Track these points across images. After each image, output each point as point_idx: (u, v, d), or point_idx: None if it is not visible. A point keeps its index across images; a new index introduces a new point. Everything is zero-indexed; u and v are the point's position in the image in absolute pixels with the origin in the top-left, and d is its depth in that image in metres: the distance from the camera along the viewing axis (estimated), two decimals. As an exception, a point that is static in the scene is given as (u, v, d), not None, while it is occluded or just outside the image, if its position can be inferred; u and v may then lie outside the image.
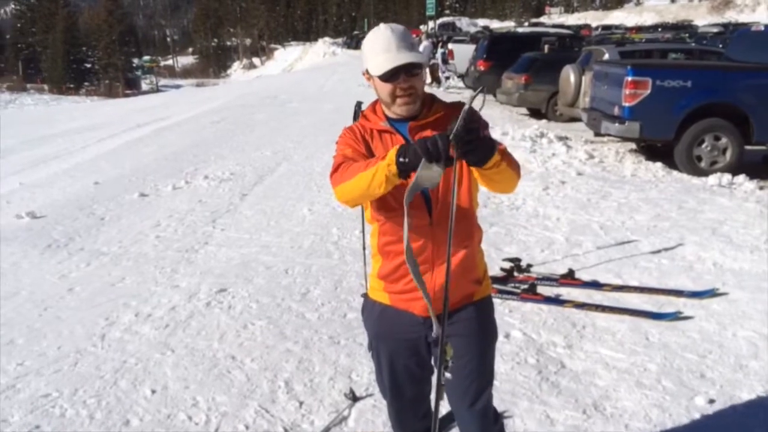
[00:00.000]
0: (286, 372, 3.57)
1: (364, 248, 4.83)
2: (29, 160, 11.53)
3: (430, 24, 38.10)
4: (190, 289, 4.80)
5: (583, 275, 4.81)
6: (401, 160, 1.74)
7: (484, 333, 2.18)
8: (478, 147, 1.72)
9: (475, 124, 1.69)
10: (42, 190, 8.51)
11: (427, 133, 1.98)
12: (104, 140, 13.71)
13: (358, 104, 4.44)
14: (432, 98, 2.08)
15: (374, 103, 2.12)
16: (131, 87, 73.61)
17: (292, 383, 3.46)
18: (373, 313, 2.20)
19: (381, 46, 1.95)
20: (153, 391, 3.40)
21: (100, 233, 6.34)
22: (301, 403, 3.27)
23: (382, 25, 2.02)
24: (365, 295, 2.28)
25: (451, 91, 19.80)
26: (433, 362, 2.26)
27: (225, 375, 3.56)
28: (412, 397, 2.32)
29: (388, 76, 1.93)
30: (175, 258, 5.52)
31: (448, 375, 1.91)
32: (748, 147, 8.27)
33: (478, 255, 2.16)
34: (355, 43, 57.27)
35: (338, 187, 1.94)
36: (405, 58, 1.91)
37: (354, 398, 3.28)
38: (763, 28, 9.26)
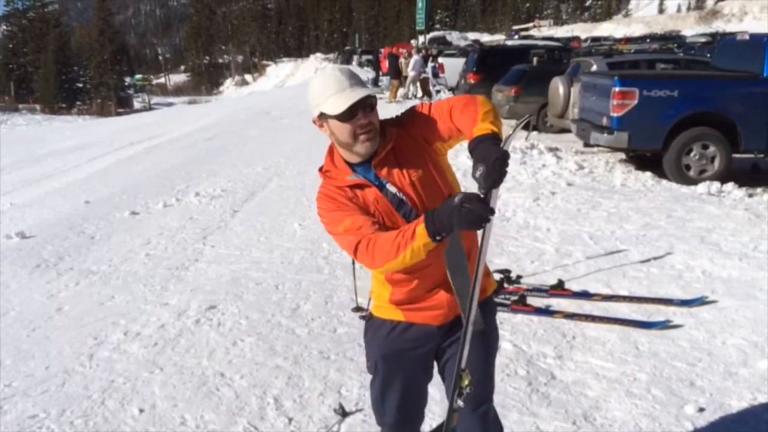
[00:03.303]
0: (275, 388, 3.55)
1: (354, 262, 4.84)
2: (20, 180, 11.51)
3: (421, 38, 38.33)
4: (180, 307, 4.77)
5: (573, 285, 4.82)
6: (438, 238, 1.72)
7: (491, 335, 2.18)
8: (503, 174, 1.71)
9: (497, 169, 1.66)
10: (32, 210, 8.48)
11: (393, 167, 1.96)
12: (96, 159, 13.70)
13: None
14: (381, 124, 2.01)
15: (330, 155, 2.05)
16: (123, 105, 73.73)
17: (282, 399, 3.44)
18: (382, 331, 2.15)
19: (333, 87, 1.90)
20: (141, 411, 3.37)
21: (89, 252, 6.31)
22: (290, 420, 3.26)
23: (328, 68, 1.99)
24: (369, 316, 2.22)
25: (442, 104, 19.87)
26: (436, 369, 2.24)
27: (214, 393, 3.54)
28: (415, 415, 2.31)
29: (348, 116, 1.87)
30: (165, 276, 5.50)
31: (460, 403, 1.89)
32: (736, 155, 8.32)
33: None
34: (347, 57, 57.56)
35: (381, 269, 1.93)
36: (361, 92, 1.87)
37: (344, 413, 3.26)
38: (748, 37, 9.34)
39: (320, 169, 2.06)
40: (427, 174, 1.99)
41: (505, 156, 1.67)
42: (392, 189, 1.96)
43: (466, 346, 1.86)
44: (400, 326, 2.12)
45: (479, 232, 1.79)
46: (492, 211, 1.66)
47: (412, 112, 2.05)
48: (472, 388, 1.89)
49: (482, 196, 1.66)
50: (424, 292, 2.06)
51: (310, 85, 1.97)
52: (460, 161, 8.15)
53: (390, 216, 1.96)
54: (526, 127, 12.09)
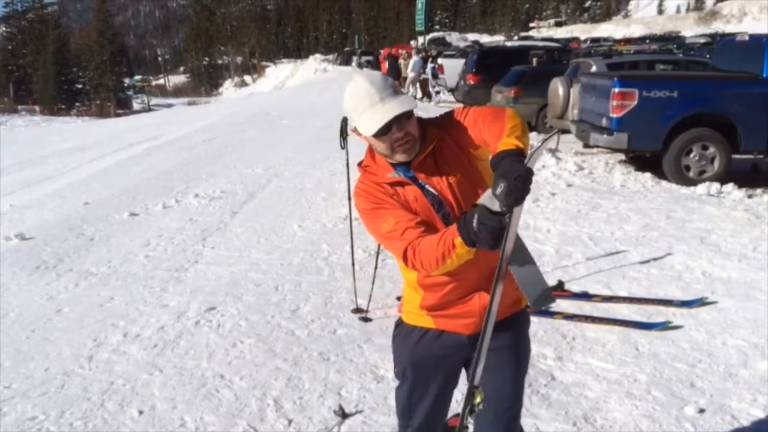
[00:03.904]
0: (275, 390, 3.55)
1: (353, 264, 4.85)
2: (20, 182, 11.48)
3: (420, 39, 38.36)
4: (179, 308, 4.77)
5: (573, 286, 4.81)
6: (476, 246, 1.70)
7: (524, 348, 2.16)
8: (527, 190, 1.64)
9: (519, 187, 1.59)
10: (32, 212, 8.47)
11: (432, 168, 1.93)
12: (95, 160, 13.68)
13: (345, 120, 4.47)
14: (423, 125, 1.97)
15: (370, 151, 2.01)
16: (123, 107, 73.63)
17: (281, 401, 3.43)
18: (412, 338, 2.13)
19: (364, 103, 1.86)
20: (140, 412, 3.37)
21: (89, 254, 6.31)
22: (290, 421, 3.25)
23: (358, 78, 1.90)
24: (399, 322, 2.20)
25: (441, 105, 19.89)
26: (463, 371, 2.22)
27: (213, 394, 3.53)
28: (441, 419, 2.29)
29: (382, 133, 1.84)
30: (165, 277, 5.49)
31: (470, 420, 1.87)
32: (735, 156, 8.33)
33: None
34: (347, 58, 57.52)
35: (433, 273, 1.88)
36: (393, 109, 1.82)
37: (343, 415, 3.26)
38: (747, 38, 9.34)
39: (359, 164, 2.04)
40: (465, 178, 1.95)
41: (528, 173, 1.60)
42: (431, 190, 1.94)
43: (480, 363, 1.83)
44: (430, 333, 2.09)
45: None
46: (503, 229, 1.64)
47: (451, 114, 2.02)
48: (485, 405, 1.86)
49: (498, 211, 1.63)
50: (457, 298, 2.02)
51: (344, 96, 1.93)
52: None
53: (428, 216, 1.92)
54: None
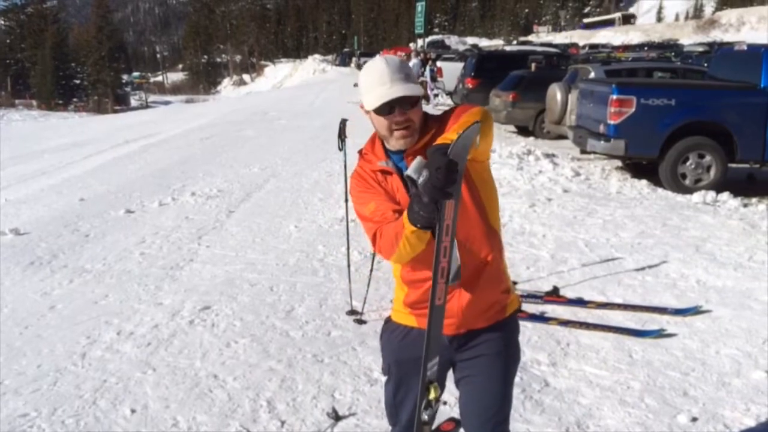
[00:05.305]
0: (268, 391, 3.54)
1: (349, 266, 4.84)
2: (16, 177, 11.45)
3: (420, 42, 38.34)
4: (174, 307, 4.76)
5: (568, 292, 4.82)
6: (418, 226, 1.74)
7: (512, 355, 2.14)
8: (452, 182, 1.66)
9: (440, 179, 1.62)
10: (27, 207, 8.45)
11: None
12: (92, 156, 13.66)
13: (343, 121, 4.48)
14: (425, 118, 2.01)
15: (372, 139, 2.07)
16: (120, 103, 73.66)
17: (275, 402, 3.43)
18: (395, 336, 2.16)
19: (376, 80, 1.91)
20: (133, 411, 3.36)
21: (84, 250, 6.29)
22: (282, 423, 3.24)
23: (377, 57, 1.99)
24: (388, 319, 2.22)
25: (439, 108, 19.92)
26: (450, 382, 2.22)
27: (206, 394, 3.52)
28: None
29: (384, 111, 1.89)
30: (160, 275, 5.48)
31: (425, 417, 1.88)
32: (731, 165, 8.35)
33: (503, 264, 2.11)
34: (345, 59, 57.52)
35: (392, 259, 1.95)
36: (398, 91, 1.87)
37: (336, 417, 3.25)
38: (746, 48, 9.37)
39: (359, 151, 2.10)
40: None
41: (449, 165, 1.62)
42: None
43: (432, 358, 1.86)
44: (413, 333, 2.11)
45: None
46: (436, 212, 1.68)
47: (452, 110, 2.03)
48: (440, 403, 1.88)
49: (426, 200, 1.67)
50: None
51: (362, 72, 1.99)
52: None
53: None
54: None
